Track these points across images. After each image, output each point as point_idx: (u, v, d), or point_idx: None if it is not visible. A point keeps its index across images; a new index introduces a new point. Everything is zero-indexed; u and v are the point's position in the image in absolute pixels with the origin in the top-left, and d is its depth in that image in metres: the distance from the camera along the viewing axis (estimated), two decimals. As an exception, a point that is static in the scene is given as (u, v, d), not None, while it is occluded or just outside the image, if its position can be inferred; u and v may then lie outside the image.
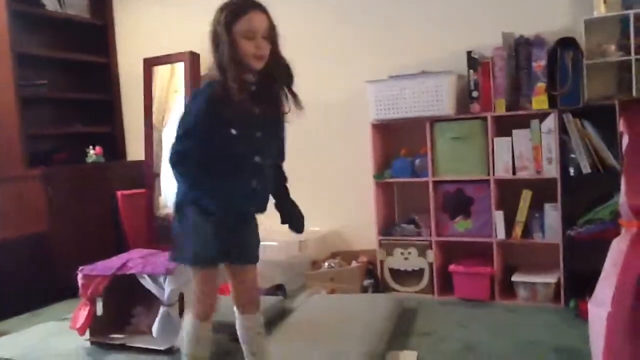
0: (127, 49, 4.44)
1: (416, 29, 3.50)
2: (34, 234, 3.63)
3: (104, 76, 4.44)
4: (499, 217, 3.08)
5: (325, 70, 3.72)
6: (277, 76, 1.90)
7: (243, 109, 1.82)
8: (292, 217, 2.00)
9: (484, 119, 3.11)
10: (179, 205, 1.88)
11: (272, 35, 1.87)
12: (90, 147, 4.12)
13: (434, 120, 3.22)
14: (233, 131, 1.83)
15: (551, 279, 2.97)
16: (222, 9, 1.86)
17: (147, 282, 2.44)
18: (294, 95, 1.93)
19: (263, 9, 1.86)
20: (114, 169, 4.20)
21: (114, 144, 4.47)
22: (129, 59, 4.42)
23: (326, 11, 3.76)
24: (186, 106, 1.99)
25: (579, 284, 2.75)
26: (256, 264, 2.00)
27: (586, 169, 2.84)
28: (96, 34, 4.41)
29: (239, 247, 1.92)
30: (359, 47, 3.66)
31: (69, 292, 3.31)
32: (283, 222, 2.02)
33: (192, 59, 3.97)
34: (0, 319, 3.29)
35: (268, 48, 1.86)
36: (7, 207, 3.79)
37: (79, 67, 4.37)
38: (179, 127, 1.86)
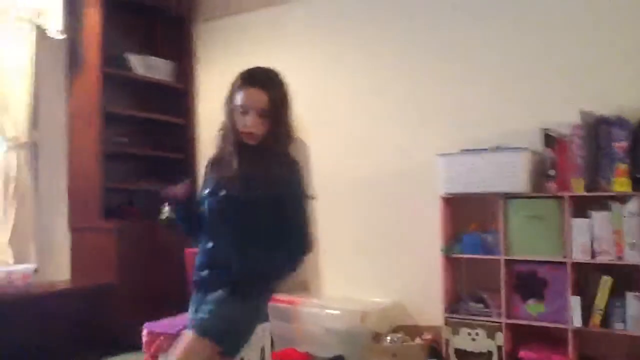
0: (206, 112, 4.63)
1: (490, 101, 3.47)
2: (103, 284, 3.73)
3: (182, 136, 4.63)
4: (575, 302, 2.92)
5: (396, 139, 3.74)
6: (264, 158, 1.87)
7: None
8: None
9: (561, 198, 3.00)
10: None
11: (272, 113, 1.85)
12: (166, 203, 4.23)
13: (508, 197, 3.13)
14: None
15: (633, 374, 2.76)
16: (238, 75, 1.93)
17: (209, 345, 2.43)
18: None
19: (264, 86, 1.85)
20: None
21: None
22: (207, 121, 4.60)
23: (395, 79, 3.79)
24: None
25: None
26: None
27: (673, 257, 2.67)
28: (177, 97, 4.63)
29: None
30: (430, 117, 3.66)
31: (131, 345, 3.34)
32: None
33: (267, 124, 4.08)
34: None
35: (263, 126, 1.84)
36: (80, 256, 3.94)
37: (159, 127, 4.58)
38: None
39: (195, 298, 1.99)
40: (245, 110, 1.84)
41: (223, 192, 1.93)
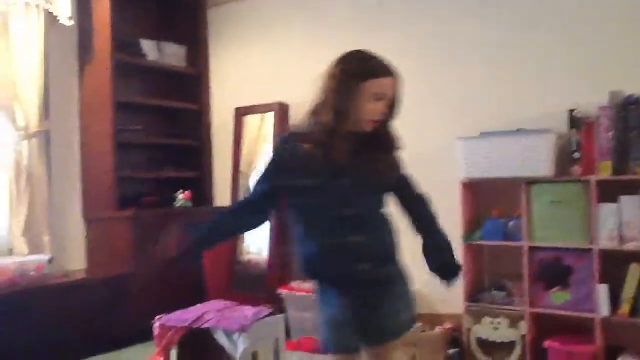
0: (220, 98, 4.55)
1: (512, 83, 3.33)
2: (119, 274, 3.70)
3: (196, 123, 4.56)
4: (602, 291, 2.79)
5: (413, 123, 3.61)
6: (380, 143, 1.84)
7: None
8: (440, 265, 1.94)
9: (586, 182, 2.87)
10: None
11: (394, 103, 1.83)
12: (180, 191, 4.20)
13: (531, 182, 3.01)
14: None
15: (663, 365, 2.64)
16: (358, 58, 1.82)
17: (220, 337, 2.38)
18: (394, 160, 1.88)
19: (397, 77, 1.82)
20: (200, 213, 4.25)
21: (202, 189, 4.54)
22: (220, 107, 4.52)
23: (412, 61, 3.64)
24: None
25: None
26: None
27: None
28: (191, 83, 4.56)
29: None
30: (449, 99, 3.53)
31: (149, 334, 3.31)
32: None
33: (281, 109, 3.99)
34: (79, 358, 3.33)
35: (385, 115, 1.82)
36: (96, 246, 3.91)
37: (173, 114, 4.52)
38: None
39: (357, 294, 1.85)
40: (380, 98, 1.77)
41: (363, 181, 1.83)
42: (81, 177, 3.98)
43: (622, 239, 2.79)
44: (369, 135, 1.81)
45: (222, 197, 4.45)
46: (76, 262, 3.88)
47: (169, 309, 2.82)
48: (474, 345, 3.12)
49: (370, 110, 1.78)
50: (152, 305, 3.00)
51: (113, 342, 3.51)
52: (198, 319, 2.44)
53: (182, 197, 4.17)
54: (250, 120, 4.28)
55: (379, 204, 1.89)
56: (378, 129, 1.82)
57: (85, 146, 3.99)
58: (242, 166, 4.27)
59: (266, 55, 4.28)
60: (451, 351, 3.11)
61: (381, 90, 1.78)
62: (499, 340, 3.05)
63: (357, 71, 1.79)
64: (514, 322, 3.01)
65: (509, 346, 3.03)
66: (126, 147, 4.08)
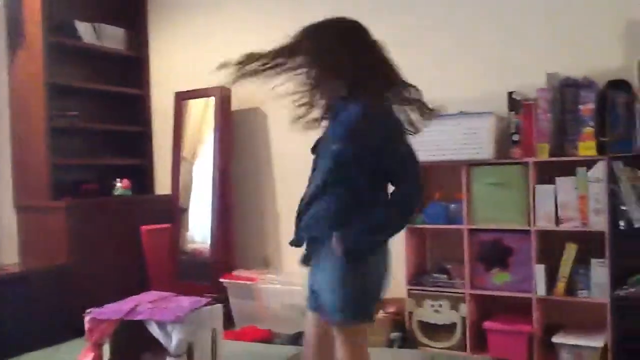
0: (160, 82, 4.41)
1: (453, 66, 3.32)
2: (55, 266, 3.55)
3: (136, 108, 4.41)
4: (539, 271, 2.84)
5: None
6: None
7: None
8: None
9: (525, 164, 2.90)
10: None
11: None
12: (118, 179, 4.06)
13: (471, 164, 3.02)
14: None
15: (598, 342, 2.70)
16: (359, 26, 1.92)
17: (154, 330, 2.30)
18: None
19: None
20: (140, 202, 4.13)
21: (143, 176, 4.41)
22: (161, 92, 4.39)
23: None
24: None
25: (630, 349, 2.50)
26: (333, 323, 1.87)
27: (639, 222, 2.59)
28: (130, 67, 4.40)
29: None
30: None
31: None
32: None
33: (223, 94, 3.89)
34: (14, 354, 3.18)
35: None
36: (29, 237, 3.75)
37: (112, 99, 4.36)
38: None
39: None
40: None
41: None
42: (12, 164, 3.79)
43: (559, 220, 2.83)
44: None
45: (164, 185, 4.33)
46: (9, 254, 3.71)
47: (112, 300, 2.70)
48: (416, 329, 3.13)
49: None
50: (91, 298, 2.88)
51: (49, 338, 3.38)
52: (131, 311, 2.35)
53: (120, 185, 4.03)
54: (194, 105, 4.16)
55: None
56: None
57: (16, 132, 3.80)
58: (185, 153, 4.16)
59: (207, 38, 4.16)
60: (393, 335, 3.11)
61: None
62: (440, 323, 3.07)
63: (367, 37, 1.95)
64: (455, 304, 3.03)
65: (450, 328, 3.05)
66: (62, 133, 3.90)
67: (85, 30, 4.08)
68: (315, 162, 1.98)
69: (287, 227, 3.58)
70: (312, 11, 3.67)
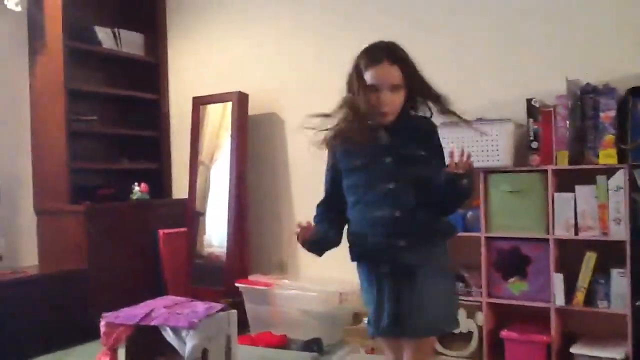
0: (178, 87, 4.45)
1: (471, 72, 3.30)
2: (72, 270, 3.59)
3: (154, 113, 4.45)
4: (558, 280, 2.79)
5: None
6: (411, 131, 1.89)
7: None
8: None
9: (544, 172, 2.86)
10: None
11: (407, 83, 1.84)
12: (136, 183, 4.09)
13: (489, 172, 2.99)
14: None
15: (617, 354, 2.65)
16: (362, 52, 1.88)
17: (168, 335, 2.30)
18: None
19: (394, 59, 1.81)
20: (158, 207, 4.15)
21: (161, 181, 4.44)
22: (179, 97, 4.42)
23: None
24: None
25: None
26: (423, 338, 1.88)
27: (660, 232, 2.54)
28: (149, 72, 4.44)
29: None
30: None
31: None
32: None
33: (241, 99, 3.91)
34: (30, 356, 3.22)
35: (395, 101, 1.82)
36: (48, 240, 3.79)
37: (130, 103, 4.40)
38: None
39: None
40: (377, 89, 1.82)
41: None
42: (32, 168, 3.84)
43: (578, 228, 2.79)
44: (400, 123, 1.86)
45: (181, 189, 4.35)
46: (29, 257, 3.76)
47: (126, 306, 2.72)
48: (432, 337, 3.10)
49: (373, 102, 1.80)
50: (108, 302, 2.89)
51: (65, 341, 3.41)
52: (146, 316, 2.36)
53: (138, 189, 4.06)
54: (212, 110, 4.18)
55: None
56: (402, 118, 1.85)
57: (36, 136, 3.85)
58: (203, 157, 4.17)
59: (225, 44, 4.18)
60: (409, 343, 3.08)
61: (374, 81, 1.79)
62: (456, 331, 3.03)
63: (356, 66, 1.85)
64: (471, 312, 2.99)
65: (466, 337, 3.01)
66: (81, 137, 3.95)
67: (104, 36, 4.14)
68: (367, 166, 1.93)
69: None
70: (329, 15, 3.74)
